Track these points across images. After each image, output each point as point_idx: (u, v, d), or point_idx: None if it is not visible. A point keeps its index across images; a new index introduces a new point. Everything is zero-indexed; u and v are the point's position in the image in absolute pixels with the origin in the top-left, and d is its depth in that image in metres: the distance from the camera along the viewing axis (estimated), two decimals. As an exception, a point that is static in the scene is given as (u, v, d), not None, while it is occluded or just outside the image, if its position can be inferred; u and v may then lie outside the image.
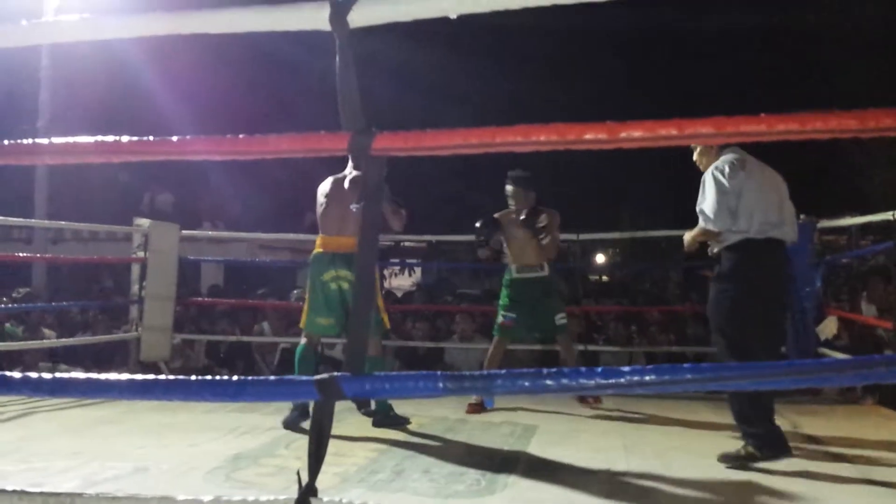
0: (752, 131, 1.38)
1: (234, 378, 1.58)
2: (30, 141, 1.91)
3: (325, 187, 4.24)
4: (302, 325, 4.19)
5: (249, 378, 1.56)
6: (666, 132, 1.42)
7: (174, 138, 1.78)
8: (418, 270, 20.19)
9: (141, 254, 6.29)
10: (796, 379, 1.43)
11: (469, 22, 1.65)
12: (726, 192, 3.24)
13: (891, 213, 4.78)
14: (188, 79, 12.71)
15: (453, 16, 1.55)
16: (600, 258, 22.72)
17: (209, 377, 1.63)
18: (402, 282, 19.67)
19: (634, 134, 1.44)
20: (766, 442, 3.16)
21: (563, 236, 5.81)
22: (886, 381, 1.39)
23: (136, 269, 6.33)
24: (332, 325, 4.10)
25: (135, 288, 6.31)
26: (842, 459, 3.35)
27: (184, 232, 6.79)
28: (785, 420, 4.32)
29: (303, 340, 4.17)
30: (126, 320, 6.73)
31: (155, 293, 6.25)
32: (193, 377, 1.66)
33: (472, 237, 4.90)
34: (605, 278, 16.96)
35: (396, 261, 15.00)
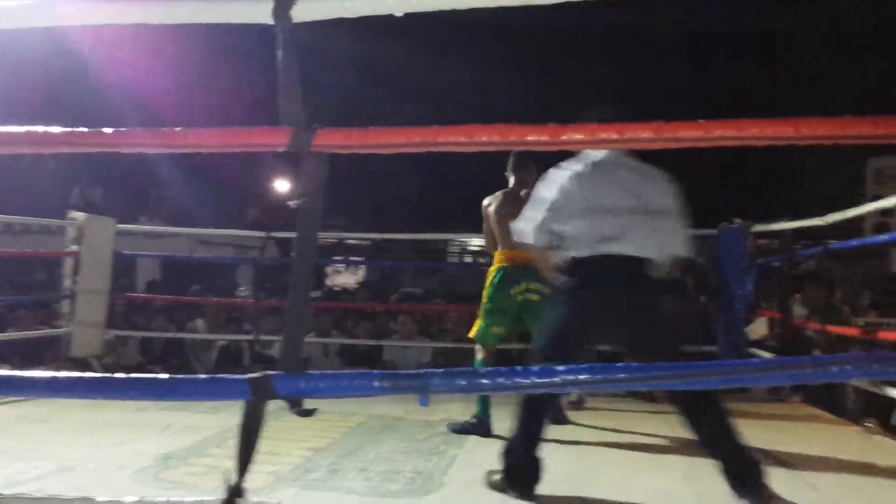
0: (690, 137, 1.40)
1: (163, 376, 1.54)
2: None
3: (497, 202, 4.23)
4: (474, 335, 4.17)
5: (179, 376, 1.52)
6: (606, 136, 1.44)
7: (108, 130, 1.72)
8: (363, 268, 20.09)
9: (75, 247, 6.12)
10: (726, 378, 1.46)
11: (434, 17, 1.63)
12: (543, 205, 2.89)
13: (821, 218, 4.94)
14: (132, 69, 12.35)
15: (399, 14, 1.54)
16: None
17: (136, 375, 1.58)
18: (345, 279, 19.56)
19: (575, 137, 1.45)
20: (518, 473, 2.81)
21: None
22: (812, 381, 1.43)
23: (69, 264, 6.15)
24: (503, 333, 4.19)
25: (67, 282, 6.13)
26: (767, 455, 3.45)
27: (120, 226, 6.62)
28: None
29: (480, 355, 4.16)
30: (57, 315, 6.53)
31: (88, 288, 6.09)
32: (120, 375, 1.61)
33: (418, 236, 4.73)
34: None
35: (340, 258, 14.90)
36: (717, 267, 5.83)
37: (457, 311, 7.54)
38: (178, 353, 7.15)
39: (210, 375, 1.59)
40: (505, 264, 4.11)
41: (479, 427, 3.89)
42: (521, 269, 4.01)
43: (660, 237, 2.84)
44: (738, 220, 5.76)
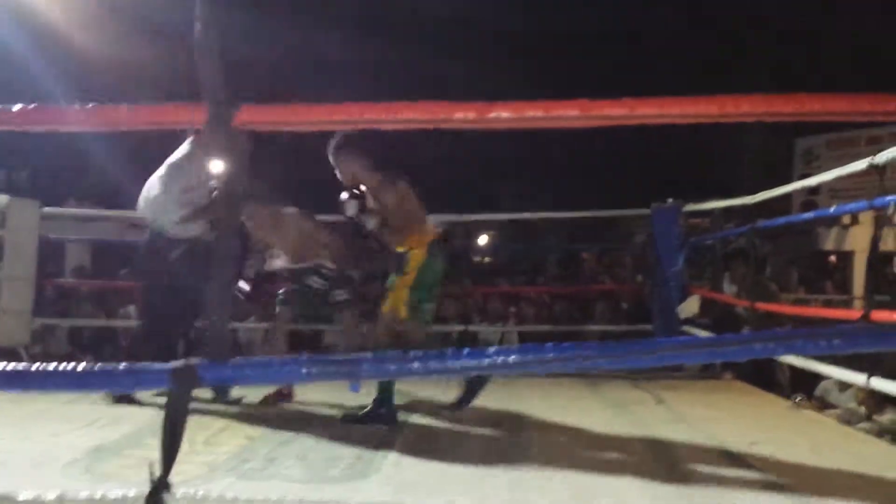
0: (616, 114, 1.39)
1: (80, 367, 1.47)
2: None
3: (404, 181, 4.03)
4: (406, 313, 3.89)
5: (97, 367, 1.46)
6: (533, 113, 1.42)
7: (16, 107, 1.63)
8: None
9: (-3, 232, 5.88)
10: (655, 357, 1.47)
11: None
12: None
13: (750, 197, 5.06)
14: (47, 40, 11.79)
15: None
16: (483, 239, 23.03)
17: (54, 366, 1.51)
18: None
19: (503, 115, 1.43)
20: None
21: (446, 217, 5.73)
22: (740, 358, 1.45)
23: (-9, 249, 5.90)
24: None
25: (-10, 268, 5.89)
26: (700, 430, 3.53)
27: (45, 209, 6.38)
28: (649, 394, 4.54)
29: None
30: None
31: (12, 274, 5.87)
32: (37, 365, 1.54)
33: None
34: (487, 259, 17.22)
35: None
36: (651, 246, 5.94)
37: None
38: (110, 341, 6.96)
39: (130, 364, 1.53)
40: (430, 239, 3.98)
41: (385, 415, 3.67)
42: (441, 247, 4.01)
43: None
44: (670, 200, 5.87)
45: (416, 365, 1.46)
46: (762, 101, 1.36)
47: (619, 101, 1.39)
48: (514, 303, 7.74)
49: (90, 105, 1.55)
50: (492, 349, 1.43)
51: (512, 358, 1.39)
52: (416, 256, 3.92)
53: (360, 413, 3.69)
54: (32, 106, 1.59)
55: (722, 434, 3.44)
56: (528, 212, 8.74)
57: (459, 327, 6.92)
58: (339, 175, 4.00)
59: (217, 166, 3.90)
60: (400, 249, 3.96)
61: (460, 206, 7.62)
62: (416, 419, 3.79)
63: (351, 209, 3.95)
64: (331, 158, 4.02)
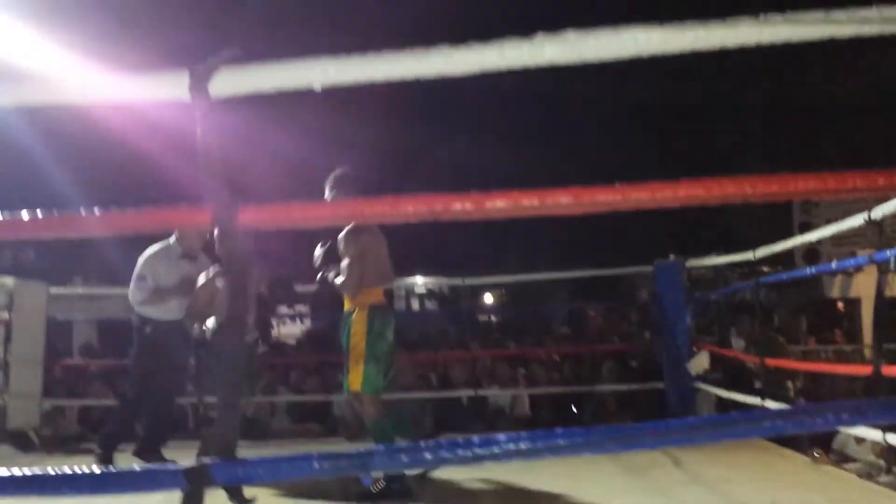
0: (609, 201, 1.44)
1: (95, 470, 1.48)
2: None
3: (369, 234, 3.82)
4: (360, 386, 3.72)
5: (111, 469, 1.47)
6: (528, 202, 1.46)
7: (27, 216, 1.67)
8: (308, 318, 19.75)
9: (5, 315, 5.93)
10: (664, 439, 1.48)
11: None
12: None
13: (751, 252, 5.08)
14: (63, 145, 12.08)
15: (318, 88, 1.54)
16: (489, 298, 23.01)
17: (66, 470, 1.52)
18: (291, 329, 19.21)
19: (498, 204, 1.47)
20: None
21: (448, 281, 5.70)
22: (745, 436, 1.45)
23: (-1, 332, 5.95)
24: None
25: (-1, 351, 5.93)
26: (718, 492, 3.48)
27: (53, 290, 6.45)
28: (665, 455, 4.48)
29: (374, 408, 3.74)
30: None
31: (21, 357, 5.91)
32: (50, 471, 1.55)
33: None
34: (493, 318, 17.18)
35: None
36: (657, 303, 5.94)
37: (407, 359, 7.49)
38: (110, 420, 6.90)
39: (144, 467, 1.54)
40: (376, 302, 3.81)
41: (398, 489, 3.56)
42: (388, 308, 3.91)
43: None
44: (672, 256, 5.90)
45: (427, 455, 1.46)
46: (748, 184, 1.40)
47: (612, 188, 1.44)
48: (524, 364, 7.70)
49: (97, 211, 1.60)
50: (502, 436, 1.44)
51: (523, 445, 1.39)
52: (359, 320, 3.75)
53: (375, 490, 3.59)
54: (38, 213, 1.63)
55: (740, 495, 3.40)
56: (531, 271, 8.78)
57: (469, 391, 6.87)
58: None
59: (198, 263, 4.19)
60: (346, 307, 3.84)
61: (464, 267, 7.66)
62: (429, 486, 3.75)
63: (317, 258, 3.89)
64: (326, 187, 3.84)
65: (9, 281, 6.11)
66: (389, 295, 3.97)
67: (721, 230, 14.49)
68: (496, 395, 6.90)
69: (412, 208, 1.51)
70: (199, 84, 1.57)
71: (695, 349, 5.76)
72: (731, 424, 1.36)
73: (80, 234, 1.69)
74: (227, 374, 1.55)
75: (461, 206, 1.50)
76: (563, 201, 1.45)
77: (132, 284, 4.67)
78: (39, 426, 6.03)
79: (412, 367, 7.24)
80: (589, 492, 3.63)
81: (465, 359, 7.46)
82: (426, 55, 1.50)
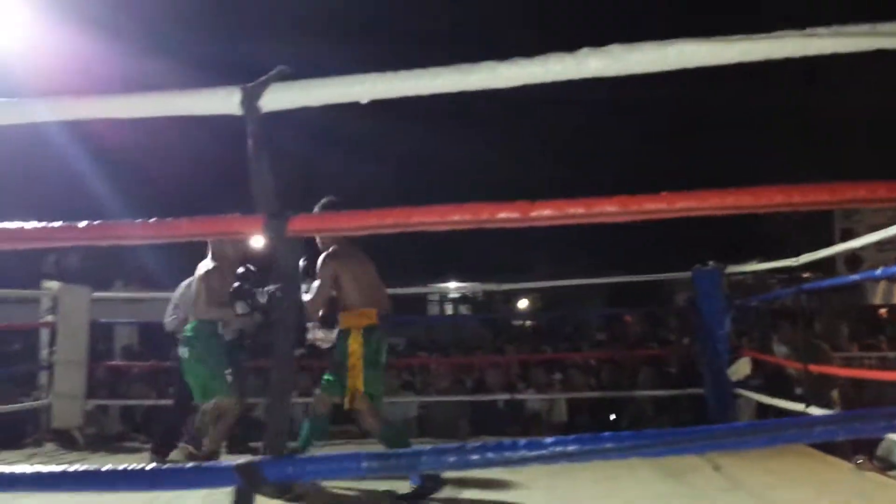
0: (655, 209, 1.45)
1: (149, 467, 1.53)
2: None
3: (353, 256, 4.03)
4: (357, 403, 3.89)
5: (165, 466, 1.51)
6: (574, 210, 1.48)
7: (82, 224, 1.73)
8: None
9: (50, 318, 6.09)
10: (711, 444, 1.48)
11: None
12: None
13: (794, 258, 5.02)
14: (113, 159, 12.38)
15: (364, 101, 1.58)
16: (523, 303, 22.94)
17: (122, 467, 1.57)
18: (325, 333, 19.27)
19: (545, 213, 1.49)
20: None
21: (483, 286, 5.73)
22: (795, 441, 1.46)
23: (44, 334, 6.11)
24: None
25: (44, 353, 6.09)
26: (760, 498, 3.44)
27: (95, 294, 6.58)
28: (705, 460, 4.43)
29: (374, 419, 3.94)
30: (35, 387, 6.44)
31: (65, 358, 6.05)
32: (107, 467, 1.60)
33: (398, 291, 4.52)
34: (528, 323, 17.13)
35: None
36: (696, 309, 5.89)
37: (441, 362, 7.52)
38: (162, 420, 7.02)
39: (196, 464, 1.58)
40: (370, 325, 3.94)
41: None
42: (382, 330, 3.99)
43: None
44: (711, 263, 5.84)
45: (474, 457, 1.48)
46: (796, 192, 1.40)
47: (657, 196, 1.44)
48: (560, 369, 7.67)
49: (152, 220, 1.65)
50: (549, 440, 1.45)
51: (571, 447, 1.41)
52: (355, 339, 3.89)
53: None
54: (98, 222, 1.69)
55: (784, 502, 3.36)
56: (567, 275, 8.75)
57: (505, 396, 6.87)
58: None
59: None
60: (342, 325, 3.99)
61: (499, 272, 7.67)
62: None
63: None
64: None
65: (53, 285, 6.27)
66: (385, 318, 4.01)
67: (759, 235, 14.30)
68: (532, 398, 6.89)
69: (458, 216, 1.53)
70: (251, 100, 1.62)
71: (737, 355, 5.69)
72: (781, 429, 1.36)
73: (136, 242, 1.74)
74: (279, 377, 1.59)
75: (507, 215, 1.52)
76: (609, 209, 1.46)
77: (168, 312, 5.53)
78: (83, 425, 6.14)
79: (448, 370, 7.27)
80: (631, 496, 3.61)
81: (500, 363, 7.46)
82: (471, 70, 1.53)
